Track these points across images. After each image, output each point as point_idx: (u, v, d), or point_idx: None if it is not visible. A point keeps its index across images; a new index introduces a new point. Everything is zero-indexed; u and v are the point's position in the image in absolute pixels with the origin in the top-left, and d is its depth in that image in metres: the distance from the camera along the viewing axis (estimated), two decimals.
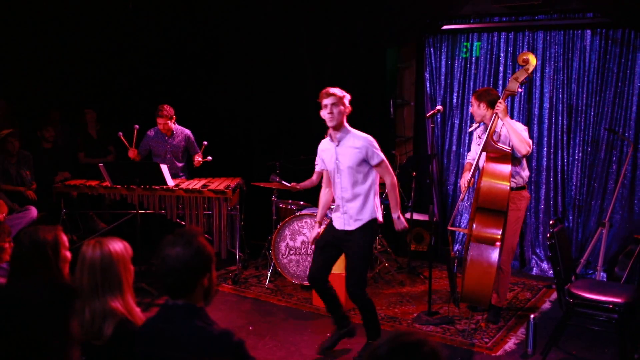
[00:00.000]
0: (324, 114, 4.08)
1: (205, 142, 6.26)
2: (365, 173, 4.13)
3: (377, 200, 4.24)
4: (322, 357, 4.29)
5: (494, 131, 4.63)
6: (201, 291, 2.19)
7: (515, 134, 4.49)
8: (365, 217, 4.15)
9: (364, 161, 4.10)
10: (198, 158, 6.19)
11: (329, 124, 4.08)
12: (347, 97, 4.13)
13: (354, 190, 4.14)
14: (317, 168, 4.40)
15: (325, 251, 4.27)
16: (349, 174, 4.12)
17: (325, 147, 4.27)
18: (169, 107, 6.13)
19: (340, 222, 4.20)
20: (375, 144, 4.14)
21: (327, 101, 4.05)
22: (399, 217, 4.25)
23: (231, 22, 7.46)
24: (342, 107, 4.06)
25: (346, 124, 4.14)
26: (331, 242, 4.25)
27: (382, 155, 4.14)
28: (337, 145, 4.13)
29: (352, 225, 4.16)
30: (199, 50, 7.67)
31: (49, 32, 7.22)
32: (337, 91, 4.09)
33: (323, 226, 4.45)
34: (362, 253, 4.15)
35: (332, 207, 4.41)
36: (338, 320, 4.39)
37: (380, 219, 4.26)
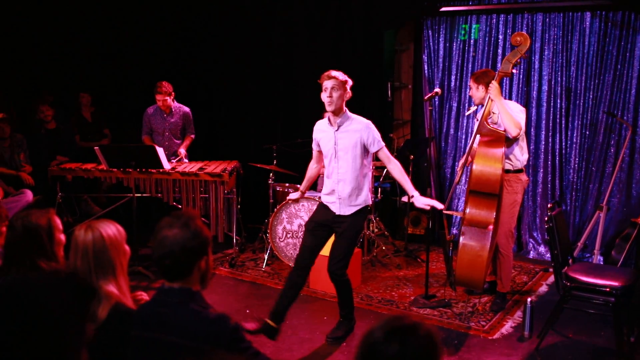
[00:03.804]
0: (324, 97, 4.02)
1: (194, 136, 6.29)
2: (362, 159, 4.11)
3: (370, 185, 4.25)
4: (317, 340, 4.29)
5: (490, 112, 4.60)
6: (198, 274, 2.17)
7: (507, 115, 4.45)
8: (360, 203, 4.15)
9: (363, 147, 4.07)
10: (182, 150, 6.18)
11: (328, 108, 4.02)
12: (349, 82, 4.07)
13: (351, 176, 4.10)
14: (316, 148, 4.31)
15: (315, 235, 4.22)
16: (347, 160, 4.09)
17: (323, 129, 4.20)
18: (167, 84, 6.10)
19: (335, 207, 4.17)
20: (376, 130, 4.09)
21: (327, 84, 3.99)
22: (414, 197, 4.08)
23: (227, 4, 7.39)
24: (342, 92, 4.00)
25: (346, 109, 4.09)
26: (322, 223, 4.21)
27: (382, 142, 4.10)
28: (337, 130, 4.09)
29: (347, 211, 4.15)
30: (194, 34, 7.61)
31: (42, 15, 7.12)
32: (339, 75, 4.01)
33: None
34: (352, 237, 4.17)
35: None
36: (278, 316, 4.22)
37: (371, 203, 4.26)
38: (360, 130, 4.04)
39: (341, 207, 4.15)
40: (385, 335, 1.49)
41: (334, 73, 4.00)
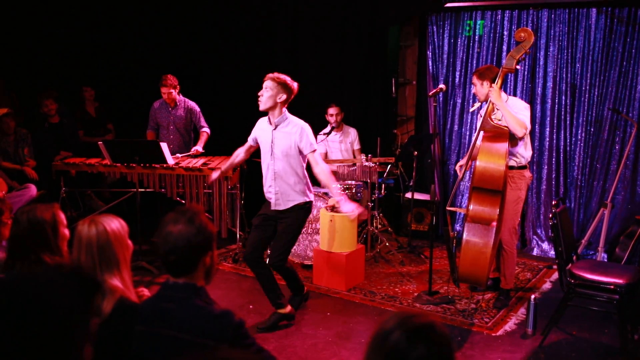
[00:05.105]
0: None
1: (208, 131, 6.29)
2: (297, 158, 4.27)
3: (308, 182, 4.39)
4: (321, 336, 4.30)
5: (494, 109, 4.58)
6: (203, 270, 2.18)
7: (510, 117, 4.42)
8: (297, 199, 4.31)
9: (298, 149, 4.22)
10: (197, 148, 6.17)
11: (259, 106, 4.20)
12: (290, 86, 4.20)
13: (287, 174, 4.27)
14: (250, 141, 4.54)
15: (260, 230, 4.40)
16: (282, 159, 4.25)
17: (264, 127, 4.36)
18: (172, 77, 6.12)
19: (273, 202, 4.35)
20: (310, 134, 4.24)
21: (264, 84, 4.18)
22: (340, 201, 4.24)
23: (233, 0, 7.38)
24: (273, 93, 4.14)
25: (284, 110, 4.25)
26: (267, 219, 4.40)
27: (315, 145, 4.25)
28: (274, 129, 4.25)
29: (283, 206, 4.33)
30: (200, 29, 7.60)
31: (46, 9, 7.12)
32: (276, 76, 4.17)
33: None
34: (292, 230, 4.34)
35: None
36: (275, 300, 4.42)
37: (312, 199, 4.43)
38: (295, 133, 4.21)
39: (277, 202, 4.33)
40: (408, 337, 1.46)
41: (272, 75, 4.19)
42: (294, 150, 4.22)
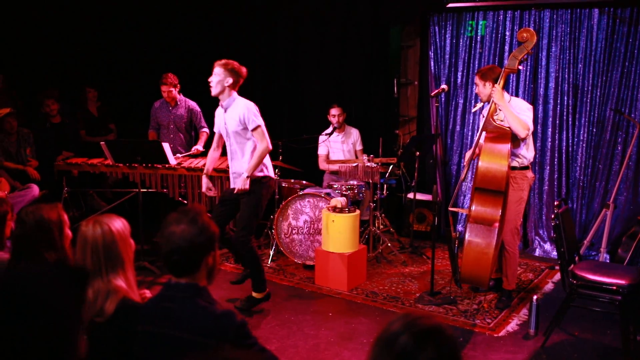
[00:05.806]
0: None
1: (208, 131, 6.28)
2: (248, 137, 4.50)
3: (266, 160, 4.59)
4: (323, 336, 4.30)
5: (496, 109, 4.57)
6: (205, 270, 2.18)
7: (513, 117, 4.42)
8: (254, 175, 4.51)
9: (245, 126, 4.46)
10: (198, 147, 6.17)
11: (211, 92, 4.49)
12: (237, 70, 4.44)
13: (239, 153, 4.54)
14: (216, 131, 4.79)
15: (223, 205, 4.66)
16: (235, 138, 4.53)
17: (218, 114, 4.67)
18: (172, 75, 6.15)
19: (232, 181, 4.64)
20: (254, 111, 4.48)
21: (213, 71, 4.44)
22: (246, 177, 4.46)
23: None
24: (221, 78, 4.41)
25: (233, 93, 4.51)
26: (227, 198, 4.65)
27: (259, 122, 4.46)
28: (225, 112, 4.52)
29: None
30: (201, 29, 7.60)
31: (48, 9, 7.13)
32: (223, 62, 4.44)
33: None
34: (251, 204, 4.52)
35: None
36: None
37: (271, 174, 4.65)
38: (240, 110, 4.45)
39: (235, 181, 4.56)
40: (416, 339, 1.45)
41: (219, 61, 4.46)
42: (241, 128, 4.46)
